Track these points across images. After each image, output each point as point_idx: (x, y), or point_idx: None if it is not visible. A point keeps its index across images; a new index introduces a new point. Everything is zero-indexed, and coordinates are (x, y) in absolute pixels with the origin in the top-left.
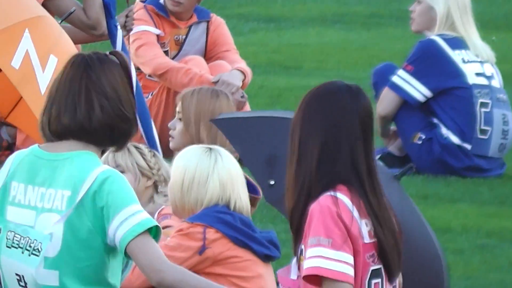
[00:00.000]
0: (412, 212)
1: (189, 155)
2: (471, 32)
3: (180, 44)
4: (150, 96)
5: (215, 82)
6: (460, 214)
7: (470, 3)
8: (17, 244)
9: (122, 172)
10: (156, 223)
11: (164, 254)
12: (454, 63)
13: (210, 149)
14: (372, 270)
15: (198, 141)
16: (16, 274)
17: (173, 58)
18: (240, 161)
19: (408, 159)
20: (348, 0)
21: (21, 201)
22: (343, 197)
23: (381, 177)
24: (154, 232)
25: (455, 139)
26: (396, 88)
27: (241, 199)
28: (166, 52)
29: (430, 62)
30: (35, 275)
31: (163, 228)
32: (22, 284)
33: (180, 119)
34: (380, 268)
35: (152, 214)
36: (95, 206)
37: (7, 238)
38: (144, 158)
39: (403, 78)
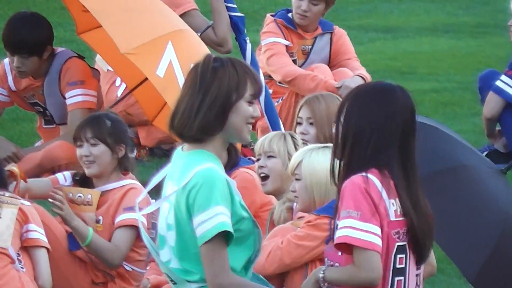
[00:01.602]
0: None
1: (320, 155)
2: None
3: (306, 54)
4: (280, 101)
5: (339, 87)
6: None
7: None
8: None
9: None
10: (228, 229)
11: (294, 243)
12: None
13: (327, 147)
14: (398, 246)
15: (331, 140)
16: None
17: (300, 66)
18: None
19: None
20: (457, 12)
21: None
22: (374, 178)
23: (489, 171)
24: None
25: None
26: (499, 91)
27: None
28: (294, 61)
29: None
30: (167, 261)
31: (299, 218)
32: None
33: (311, 123)
34: (405, 244)
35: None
36: (188, 201)
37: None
38: (296, 148)
39: (505, 82)
